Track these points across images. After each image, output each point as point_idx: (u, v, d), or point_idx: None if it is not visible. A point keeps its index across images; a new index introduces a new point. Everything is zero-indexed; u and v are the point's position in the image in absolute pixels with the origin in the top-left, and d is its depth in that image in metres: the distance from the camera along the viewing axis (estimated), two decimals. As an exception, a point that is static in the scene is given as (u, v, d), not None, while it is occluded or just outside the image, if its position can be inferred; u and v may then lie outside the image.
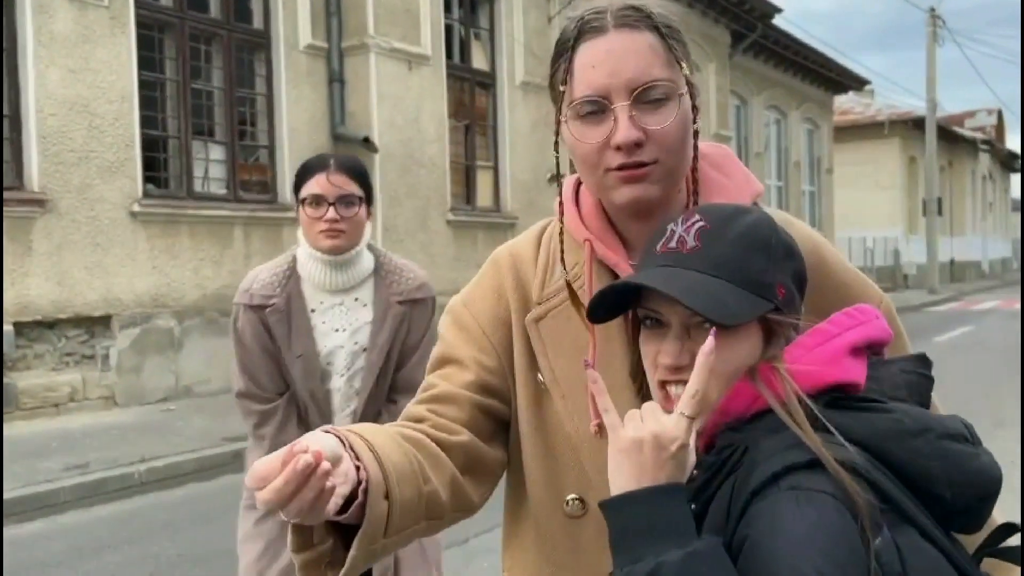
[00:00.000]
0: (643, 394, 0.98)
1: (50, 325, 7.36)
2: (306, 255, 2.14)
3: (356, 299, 2.16)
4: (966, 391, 8.11)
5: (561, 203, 1.16)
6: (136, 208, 7.83)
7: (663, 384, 0.92)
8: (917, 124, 25.88)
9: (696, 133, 1.07)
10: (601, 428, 0.99)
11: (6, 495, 5.05)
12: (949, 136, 29.17)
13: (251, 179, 9.17)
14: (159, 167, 8.36)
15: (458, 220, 10.88)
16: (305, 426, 2.13)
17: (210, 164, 8.78)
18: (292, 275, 2.14)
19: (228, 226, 8.65)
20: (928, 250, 24.91)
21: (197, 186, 8.60)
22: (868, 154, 26.55)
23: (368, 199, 2.17)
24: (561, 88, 1.03)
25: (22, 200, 7.13)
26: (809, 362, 0.90)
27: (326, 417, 2.15)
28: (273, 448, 2.08)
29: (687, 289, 0.88)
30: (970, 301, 22.26)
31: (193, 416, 7.36)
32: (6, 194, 7.06)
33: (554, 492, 1.09)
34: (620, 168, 1.00)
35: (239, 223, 8.73)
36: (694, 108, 1.05)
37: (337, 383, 2.16)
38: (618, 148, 0.99)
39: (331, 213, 2.06)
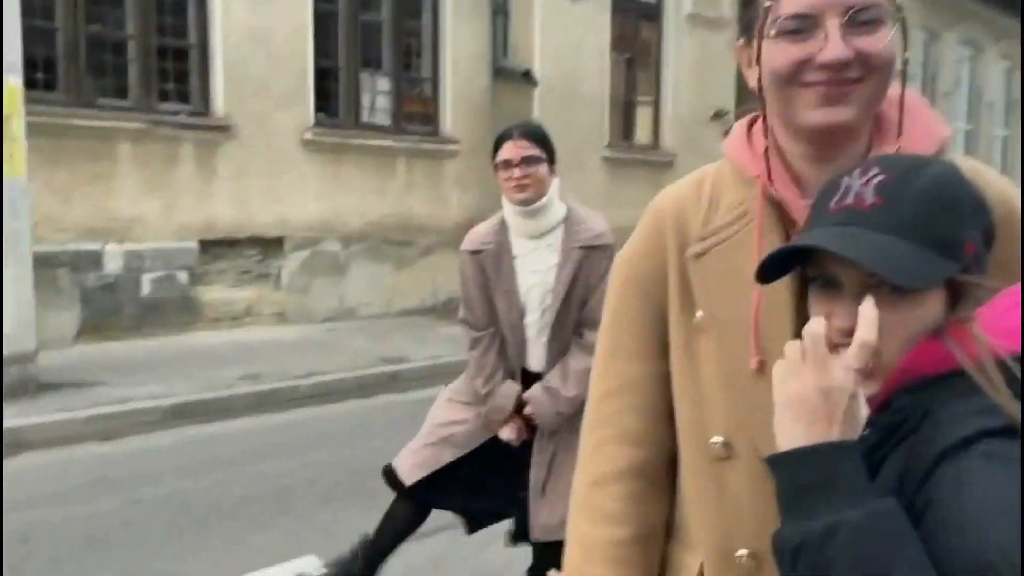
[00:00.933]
0: None
1: (230, 244, 7.92)
2: (508, 208, 2.62)
3: (548, 245, 2.59)
4: None
5: (729, 136, 1.13)
6: (308, 136, 8.22)
7: (836, 347, 0.87)
8: None
9: (905, 66, 1.00)
10: (762, 365, 0.98)
11: (190, 397, 5.56)
12: None
13: (414, 111, 9.39)
14: (329, 97, 8.70)
15: (615, 157, 10.73)
16: (504, 356, 2.65)
17: (376, 95, 9.05)
18: (502, 227, 2.64)
19: (391, 157, 8.93)
20: None
21: (364, 117, 8.90)
22: (1076, 96, 23.88)
23: (550, 159, 2.61)
24: (767, 3, 0.98)
25: (209, 126, 7.64)
26: (1004, 325, 0.83)
27: (521, 346, 2.63)
28: (478, 366, 2.67)
29: (868, 251, 0.82)
30: None
31: (355, 337, 7.78)
32: (196, 119, 7.58)
33: (699, 433, 1.09)
34: (821, 83, 0.95)
35: (402, 154, 8.99)
36: (904, 43, 0.99)
37: (532, 317, 2.61)
38: (823, 66, 0.95)
39: (517, 172, 2.53)
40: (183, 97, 7.67)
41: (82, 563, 3.30)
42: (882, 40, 0.95)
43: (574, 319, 2.55)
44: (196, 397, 5.58)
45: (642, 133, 11.36)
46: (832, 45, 0.93)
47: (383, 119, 9.07)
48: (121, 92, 7.36)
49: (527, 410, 2.58)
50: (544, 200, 2.54)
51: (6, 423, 4.86)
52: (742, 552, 1.03)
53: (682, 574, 1.12)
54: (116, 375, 5.96)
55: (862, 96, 0.96)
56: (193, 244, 7.62)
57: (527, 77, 9.32)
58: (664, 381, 1.14)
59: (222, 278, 7.91)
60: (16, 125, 5.31)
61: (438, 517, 3.79)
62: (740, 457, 1.04)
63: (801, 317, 0.97)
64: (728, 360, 1.04)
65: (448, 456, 2.72)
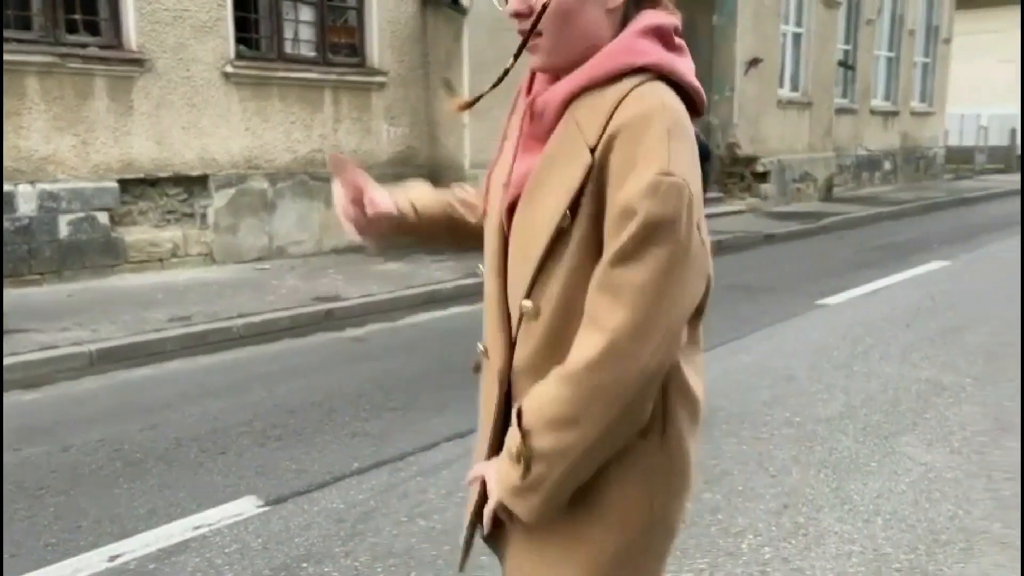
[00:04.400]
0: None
1: (152, 183, 7.66)
2: None
3: None
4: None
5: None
6: (229, 69, 7.92)
7: None
8: (1052, -11, 23.60)
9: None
10: (485, 212, 1.38)
11: (119, 340, 5.43)
12: (1088, 4, 26.55)
13: (340, 42, 9.11)
14: (250, 28, 8.38)
15: (547, 87, 10.63)
16: None
17: (300, 26, 8.74)
18: None
19: (318, 90, 8.68)
20: (1048, 130, 23.21)
21: (287, 48, 8.60)
22: (992, 23, 24.49)
23: None
24: None
25: (122, 59, 7.29)
26: None
27: None
28: None
29: None
30: (1089, 186, 20.83)
31: (286, 275, 7.66)
32: (107, 52, 7.22)
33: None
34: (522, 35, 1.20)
35: (328, 87, 8.75)
36: None
37: None
38: (511, 18, 1.21)
39: None
40: (92, 28, 7.29)
41: (12, 511, 3.23)
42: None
43: None
44: (125, 341, 5.45)
45: (573, 63, 11.25)
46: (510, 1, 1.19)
47: (308, 50, 8.78)
48: (25, 24, 6.95)
49: None
50: None
51: (-78, 374, 4.68)
52: (480, 344, 1.35)
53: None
54: (38, 321, 5.78)
55: (545, 46, 1.19)
56: (112, 183, 7.34)
57: (455, 6, 9.10)
58: None
59: (145, 218, 7.66)
60: (-90, 59, 4.98)
61: (381, 451, 3.83)
62: (484, 263, 1.34)
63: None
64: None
65: None
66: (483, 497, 1.27)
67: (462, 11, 9.11)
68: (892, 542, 3.00)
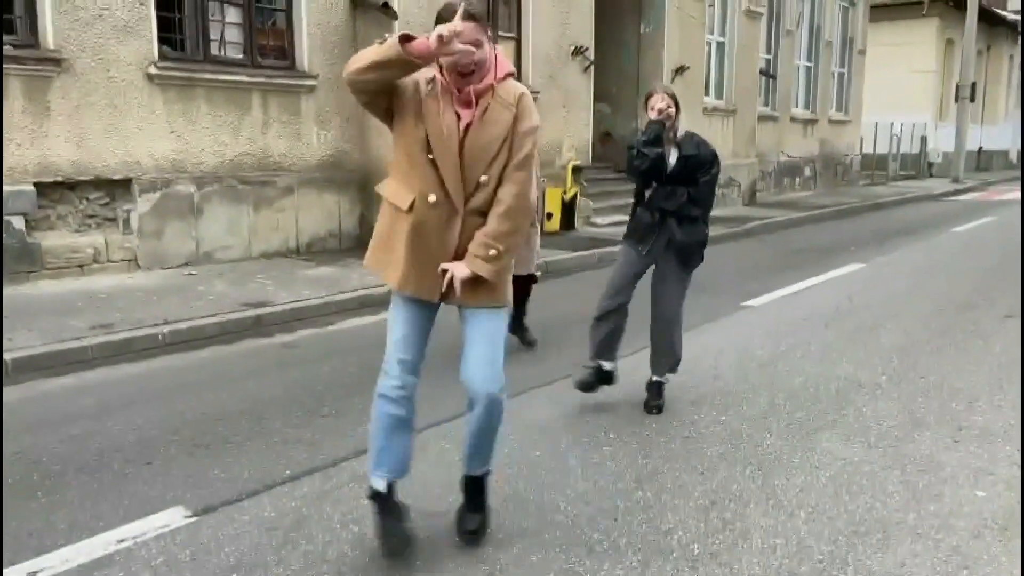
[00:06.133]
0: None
1: (71, 187, 7.41)
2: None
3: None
4: (976, 281, 8.12)
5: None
6: (152, 71, 7.72)
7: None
8: (958, 3, 24.72)
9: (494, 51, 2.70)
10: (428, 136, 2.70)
11: (37, 349, 5.24)
12: (990, 18, 27.88)
13: (268, 44, 8.97)
14: (174, 29, 8.18)
15: (478, 93, 10.64)
16: None
17: (226, 27, 8.58)
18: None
19: (246, 92, 8.53)
20: (956, 138, 24.27)
21: (214, 50, 8.43)
22: (904, 35, 25.49)
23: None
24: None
25: (39, 59, 7.04)
26: None
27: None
28: None
29: None
30: (994, 191, 21.90)
31: (214, 281, 7.51)
32: (22, 51, 6.97)
33: (419, 150, 2.72)
34: (459, 73, 2.61)
35: (257, 89, 8.61)
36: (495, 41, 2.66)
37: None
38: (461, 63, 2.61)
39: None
40: (7, 26, 7.02)
41: (-76, 530, 3.10)
42: (481, 54, 2.56)
43: None
44: (43, 350, 5.27)
45: (504, 68, 11.29)
46: (465, 58, 2.54)
47: (235, 52, 8.62)
48: (-67, 19, 6.67)
49: None
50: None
51: None
52: (432, 197, 2.66)
53: (404, 202, 2.70)
54: (-52, 330, 5.53)
55: (473, 80, 2.60)
56: (29, 187, 7.08)
57: (385, 9, 9.06)
58: None
59: (64, 223, 7.41)
60: None
61: (313, 458, 3.78)
62: (438, 160, 2.64)
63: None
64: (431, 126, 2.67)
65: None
66: (449, 281, 2.69)
67: (392, 15, 9.08)
68: (814, 535, 3.11)
